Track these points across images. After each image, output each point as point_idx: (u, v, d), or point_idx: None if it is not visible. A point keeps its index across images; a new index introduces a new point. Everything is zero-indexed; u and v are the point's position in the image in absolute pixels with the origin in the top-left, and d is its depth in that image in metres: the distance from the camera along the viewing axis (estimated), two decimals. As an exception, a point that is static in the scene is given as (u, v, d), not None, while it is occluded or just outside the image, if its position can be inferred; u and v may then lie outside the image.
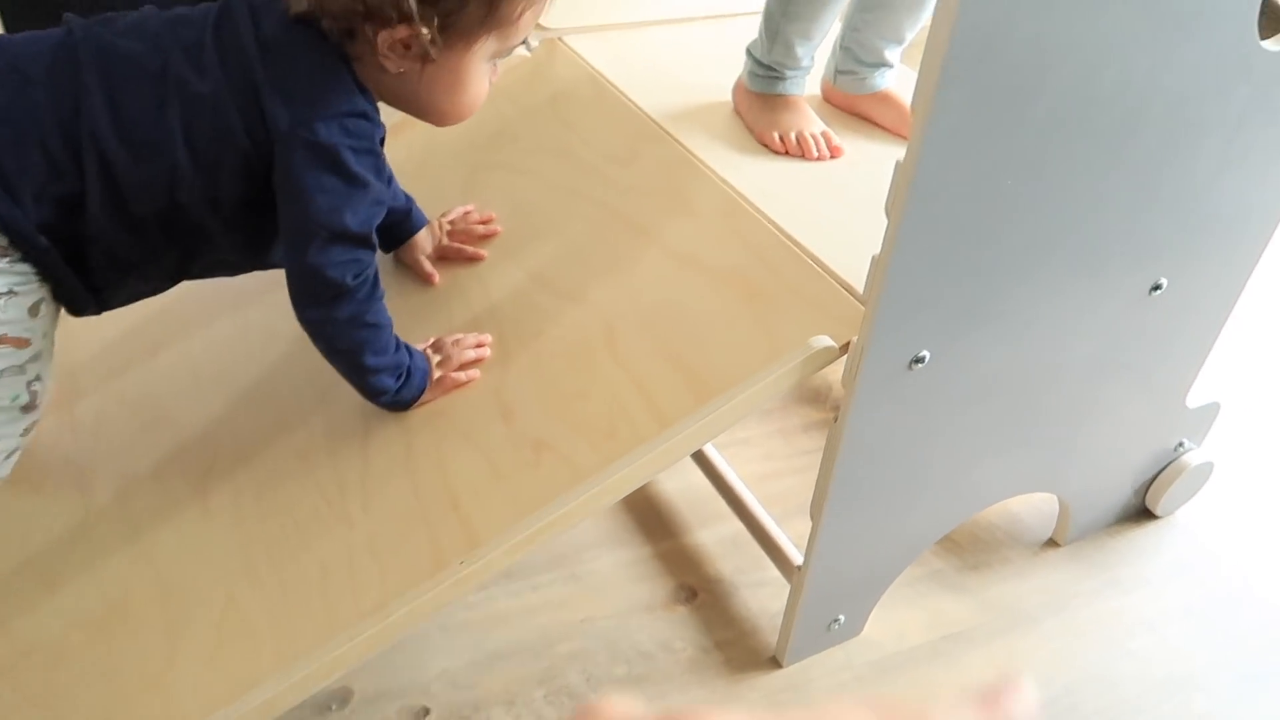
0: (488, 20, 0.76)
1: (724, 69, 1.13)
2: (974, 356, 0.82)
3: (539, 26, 1.23)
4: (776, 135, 1.05)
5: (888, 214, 0.69)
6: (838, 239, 0.86)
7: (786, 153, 1.04)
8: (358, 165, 0.76)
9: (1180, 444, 1.11)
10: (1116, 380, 0.96)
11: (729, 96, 1.13)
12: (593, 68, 1.18)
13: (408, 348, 0.85)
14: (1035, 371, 0.88)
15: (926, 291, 0.74)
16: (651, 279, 0.89)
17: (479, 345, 0.89)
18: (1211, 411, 1.11)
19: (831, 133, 1.06)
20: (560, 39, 1.24)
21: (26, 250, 0.71)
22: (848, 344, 0.77)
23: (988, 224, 0.73)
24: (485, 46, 0.78)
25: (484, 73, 0.81)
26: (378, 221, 0.80)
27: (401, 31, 0.73)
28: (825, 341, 0.76)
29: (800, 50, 1.07)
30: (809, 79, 1.11)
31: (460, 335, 0.90)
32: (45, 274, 0.73)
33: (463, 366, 0.87)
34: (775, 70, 1.08)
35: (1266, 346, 1.44)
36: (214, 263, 0.84)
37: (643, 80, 1.15)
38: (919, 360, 0.78)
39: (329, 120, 0.75)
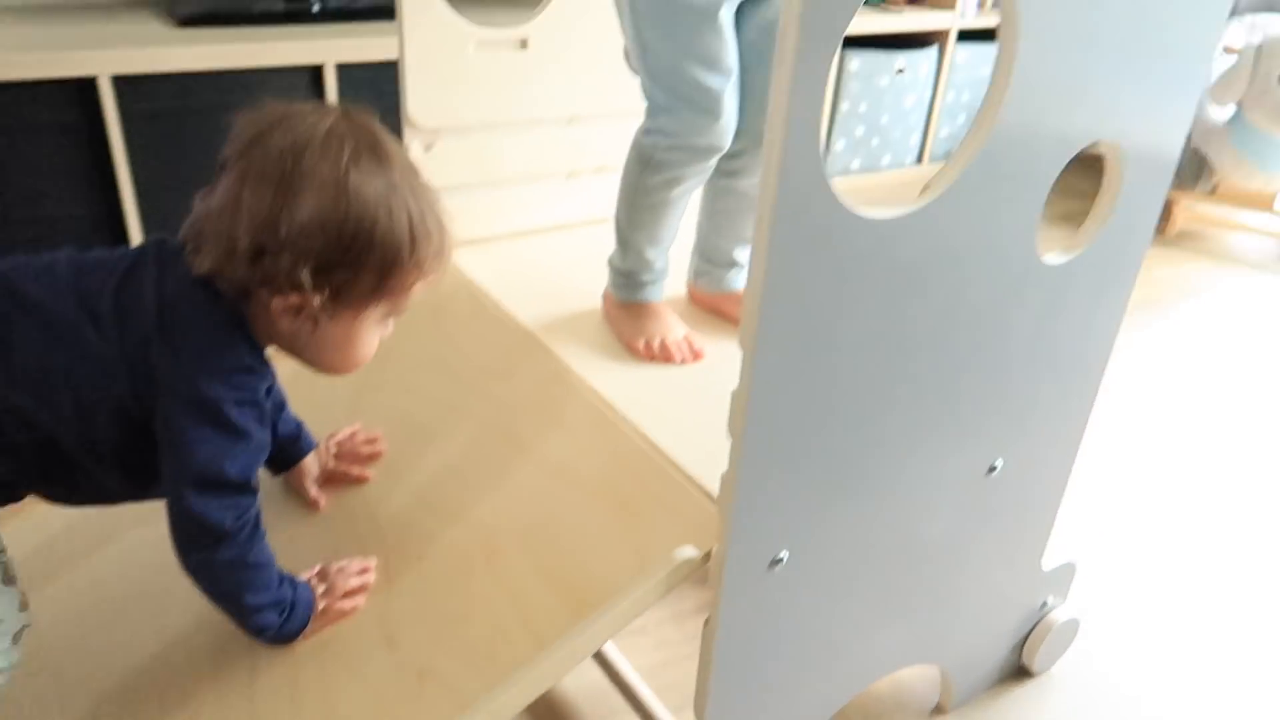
0: (378, 290, 0.82)
1: (597, 274, 1.22)
2: (832, 550, 0.88)
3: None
4: (641, 343, 1.12)
5: (730, 433, 0.76)
6: (701, 445, 0.93)
7: (652, 359, 1.11)
8: (239, 417, 0.79)
9: (1044, 603, 1.18)
10: (972, 552, 1.03)
11: (601, 301, 1.21)
12: (473, 281, 1.26)
13: (291, 580, 0.87)
14: (893, 556, 0.94)
15: (776, 497, 0.80)
16: (528, 495, 0.93)
17: (363, 571, 0.91)
18: (1069, 571, 1.18)
19: (693, 336, 1.14)
20: (442, 255, 1.33)
21: None
22: (710, 552, 0.82)
23: (825, 430, 0.80)
24: (375, 312, 0.84)
25: (374, 333, 0.86)
26: (259, 467, 0.83)
27: (294, 299, 0.79)
28: (689, 553, 0.81)
29: (651, 254, 1.16)
30: (669, 282, 1.20)
31: (344, 563, 0.92)
32: None
33: (348, 594, 0.89)
34: (633, 278, 1.16)
35: (1116, 503, 1.54)
36: (94, 494, 0.86)
37: (521, 290, 1.23)
38: (778, 561, 0.83)
39: (212, 375, 0.79)
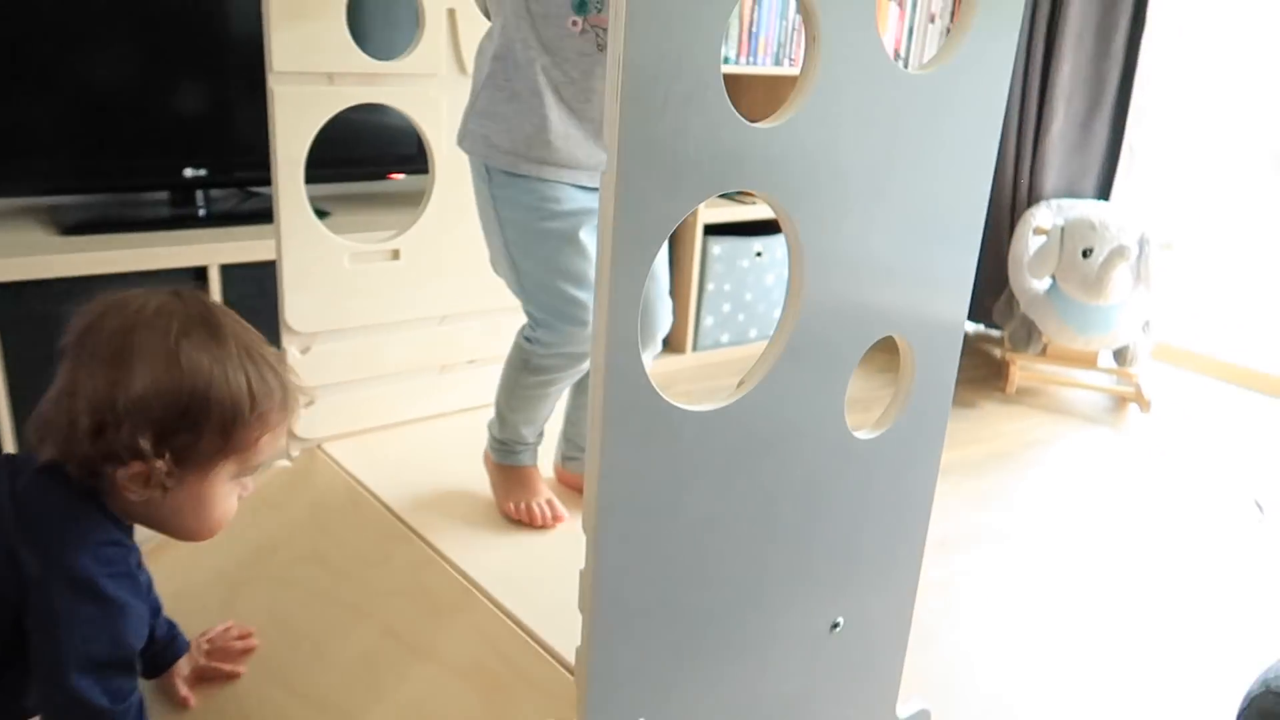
0: (225, 449, 0.86)
1: (470, 459, 1.30)
2: (689, 714, 0.94)
3: (298, 437, 1.37)
4: (510, 505, 1.24)
5: (581, 610, 0.83)
6: (562, 621, 0.99)
7: (519, 520, 1.22)
8: (114, 590, 0.82)
9: (904, 752, 1.25)
10: (826, 706, 1.10)
11: (475, 486, 1.29)
12: (349, 473, 1.32)
13: None
14: (749, 716, 1.01)
15: (629, 667, 0.86)
16: (399, 681, 0.97)
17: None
18: (924, 718, 1.26)
19: (556, 501, 1.25)
20: (319, 447, 1.38)
21: None
22: (571, 724, 0.87)
23: (670, 602, 0.87)
24: (225, 470, 0.88)
25: (228, 492, 0.90)
26: (141, 643, 0.85)
27: (137, 467, 0.82)
28: (550, 725, 0.86)
29: (526, 431, 1.27)
30: (541, 449, 1.31)
31: None
32: None
33: None
34: (508, 446, 1.27)
35: (961, 655, 1.64)
36: None
37: (396, 479, 1.30)
38: (638, 728, 0.89)
39: (81, 551, 0.81)
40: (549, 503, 1.24)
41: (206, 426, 0.84)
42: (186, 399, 0.82)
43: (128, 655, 0.83)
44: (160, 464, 0.82)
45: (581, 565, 0.81)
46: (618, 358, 0.74)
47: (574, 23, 1.07)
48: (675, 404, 0.80)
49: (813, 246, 0.85)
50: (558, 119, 1.10)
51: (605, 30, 1.08)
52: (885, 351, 1.01)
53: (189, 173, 2.01)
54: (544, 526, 1.22)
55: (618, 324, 0.73)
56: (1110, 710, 1.48)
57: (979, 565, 1.86)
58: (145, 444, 0.81)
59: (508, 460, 1.28)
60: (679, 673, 0.91)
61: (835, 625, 1.06)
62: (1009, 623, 1.68)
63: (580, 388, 1.32)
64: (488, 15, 1.18)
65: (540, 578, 1.09)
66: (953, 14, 2.92)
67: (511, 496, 1.26)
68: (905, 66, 2.16)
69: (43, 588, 0.80)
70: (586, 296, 1.14)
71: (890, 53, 1.05)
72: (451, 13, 1.36)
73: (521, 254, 1.16)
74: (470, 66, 1.26)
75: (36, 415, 0.86)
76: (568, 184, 1.13)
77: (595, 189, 1.15)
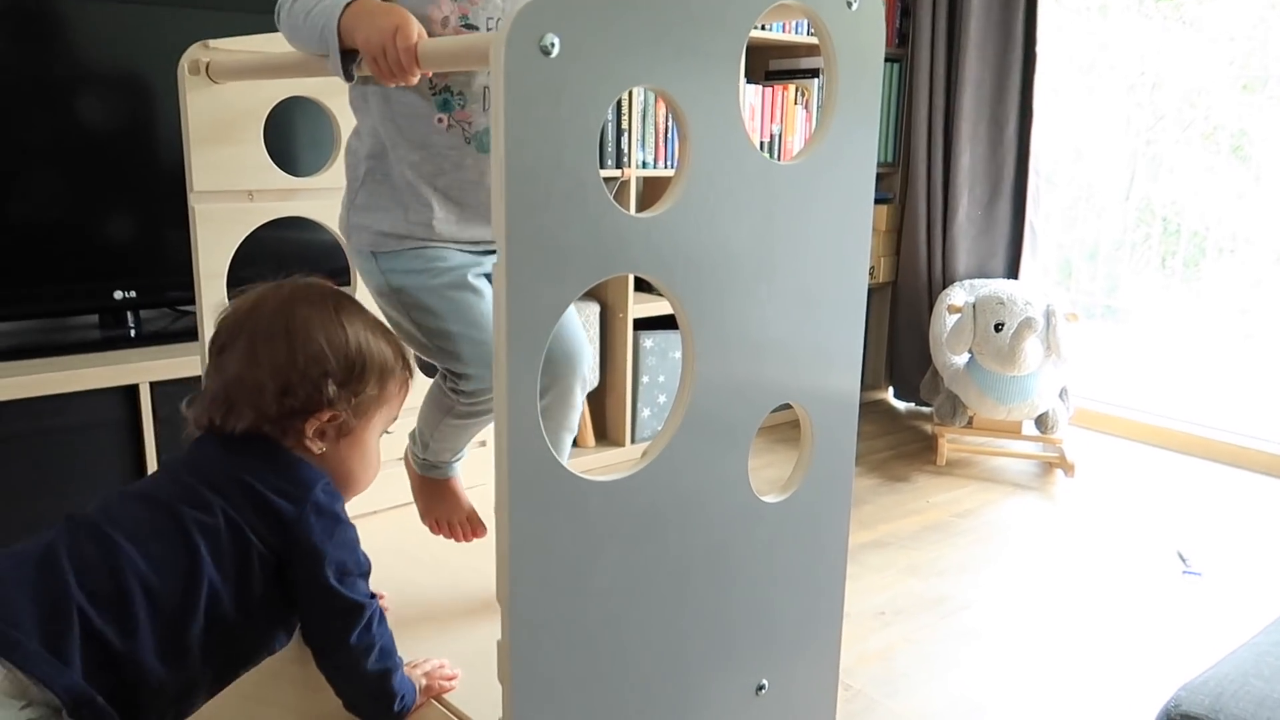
0: (380, 399, 1.04)
1: (403, 559, 1.33)
2: (616, 785, 0.96)
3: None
4: (433, 520, 1.34)
5: (501, 682, 0.85)
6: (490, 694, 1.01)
7: (440, 535, 1.33)
8: (345, 516, 0.99)
9: (842, 819, 1.26)
10: (759, 775, 1.12)
11: (407, 569, 1.33)
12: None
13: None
14: (679, 785, 1.03)
15: (553, 740, 0.89)
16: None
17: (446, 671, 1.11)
18: (860, 782, 1.28)
19: (476, 514, 1.34)
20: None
21: (85, 712, 0.82)
22: (498, 800, 0.88)
23: (589, 667, 0.91)
24: (378, 422, 1.06)
25: (378, 446, 1.07)
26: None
27: (326, 415, 0.99)
28: (477, 803, 0.88)
29: (448, 457, 1.34)
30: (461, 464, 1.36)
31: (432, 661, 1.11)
32: None
33: (444, 677, 1.09)
34: (429, 463, 1.34)
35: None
36: (239, 664, 0.99)
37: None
38: (564, 801, 0.91)
39: (317, 490, 0.98)
40: (469, 518, 1.34)
41: (369, 377, 1.02)
42: (354, 354, 1.01)
43: (365, 566, 1.00)
44: (344, 410, 1.00)
45: (499, 637, 0.85)
46: (519, 434, 0.80)
47: (440, 119, 1.15)
48: (580, 475, 0.85)
49: (700, 325, 0.92)
50: (439, 205, 1.18)
51: (470, 124, 1.17)
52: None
53: (119, 295, 2.04)
54: (465, 541, 1.34)
55: (517, 401, 0.79)
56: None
57: (917, 633, 1.90)
58: (332, 391, 0.98)
59: (430, 474, 1.34)
60: (604, 743, 0.93)
61: (760, 688, 1.09)
62: (947, 688, 1.71)
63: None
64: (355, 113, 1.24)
65: (459, 654, 1.12)
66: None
67: (433, 512, 1.35)
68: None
69: (299, 523, 0.95)
70: (489, 338, 1.18)
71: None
72: (368, 130, 1.44)
73: (423, 316, 1.19)
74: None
75: (215, 396, 1.00)
76: (451, 249, 1.20)
77: (476, 251, 1.22)
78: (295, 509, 0.95)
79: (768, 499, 1.05)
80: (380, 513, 1.55)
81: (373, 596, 1.00)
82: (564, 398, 1.28)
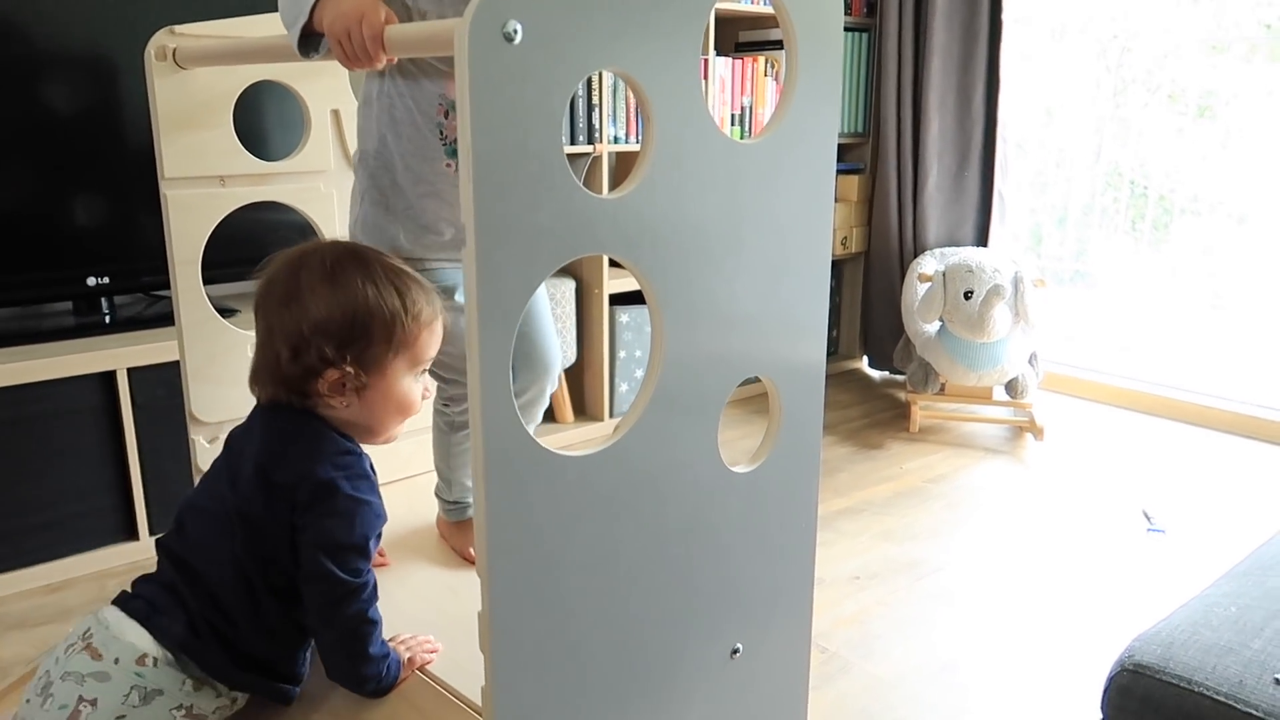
0: (393, 348, 1.06)
1: (397, 522, 1.36)
2: (597, 747, 0.99)
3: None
4: (470, 550, 1.37)
5: (483, 651, 0.88)
6: (473, 666, 1.04)
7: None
8: (351, 489, 1.02)
9: (817, 775, 1.31)
10: (735, 734, 1.16)
11: (402, 550, 1.35)
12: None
13: (384, 642, 1.08)
14: (658, 746, 1.06)
15: (533, 702, 0.92)
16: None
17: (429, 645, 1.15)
18: (834, 739, 1.33)
19: None
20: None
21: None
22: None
23: (568, 637, 0.93)
24: (400, 368, 1.08)
25: (409, 387, 1.10)
26: (375, 533, 1.02)
27: (331, 375, 1.03)
28: (464, 768, 0.91)
29: (470, 483, 1.37)
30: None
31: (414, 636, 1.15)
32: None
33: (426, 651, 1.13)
34: (459, 504, 1.40)
35: (876, 682, 1.72)
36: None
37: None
38: (547, 763, 0.94)
39: (321, 461, 1.02)
40: None
41: (375, 331, 1.04)
42: (353, 311, 1.03)
43: (362, 543, 1.02)
44: (348, 368, 1.03)
45: (480, 608, 0.87)
46: (493, 412, 0.82)
47: (448, 165, 1.22)
48: (553, 450, 0.88)
49: (668, 301, 0.95)
50: (438, 233, 1.28)
51: None
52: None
53: (92, 282, 2.04)
54: None
55: (490, 382, 0.81)
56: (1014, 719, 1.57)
57: (890, 596, 1.95)
58: (330, 352, 1.02)
59: (461, 517, 1.43)
60: (584, 706, 0.97)
61: (735, 651, 1.13)
62: (920, 648, 1.76)
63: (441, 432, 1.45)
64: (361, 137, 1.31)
65: (443, 628, 1.15)
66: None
67: (468, 543, 1.40)
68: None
69: (302, 495, 1.00)
70: None
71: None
72: (335, 113, 1.45)
73: None
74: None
75: (252, 372, 1.08)
76: (445, 266, 1.30)
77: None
78: (296, 481, 1.01)
79: (738, 469, 1.08)
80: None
81: (369, 571, 1.03)
82: (539, 400, 1.39)
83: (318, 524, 1.00)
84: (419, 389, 1.12)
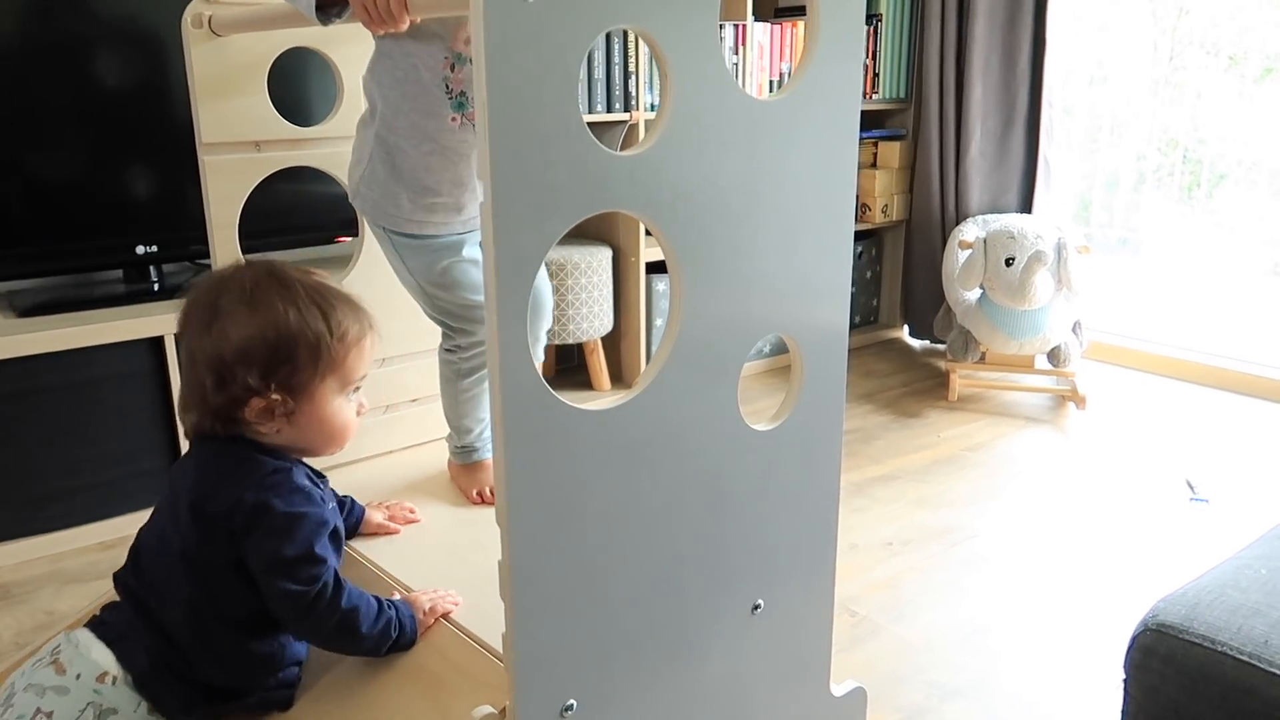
0: (320, 371, 1.04)
1: (415, 491, 1.40)
2: (620, 695, 1.01)
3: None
4: (474, 492, 1.42)
5: (502, 598, 0.91)
6: (493, 612, 1.07)
7: (483, 503, 1.42)
8: (285, 506, 1.01)
9: (841, 730, 1.32)
10: (757, 685, 1.18)
11: (420, 511, 1.39)
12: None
13: (389, 602, 1.08)
14: (680, 696, 1.08)
15: (555, 651, 0.94)
16: (344, 684, 1.05)
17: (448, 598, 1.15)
18: (860, 695, 1.34)
19: None
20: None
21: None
22: (504, 708, 0.94)
23: (589, 588, 0.95)
24: (329, 390, 1.05)
25: (341, 407, 1.08)
26: (319, 540, 1.03)
27: (256, 403, 1.01)
28: (485, 710, 0.94)
29: (477, 428, 1.44)
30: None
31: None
32: None
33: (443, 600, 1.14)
34: (467, 448, 1.45)
35: (906, 646, 1.73)
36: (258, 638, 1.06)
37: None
38: (569, 709, 0.96)
39: (249, 487, 1.00)
40: None
41: (299, 355, 1.01)
42: (275, 336, 1.00)
43: (308, 552, 1.01)
44: (274, 395, 1.01)
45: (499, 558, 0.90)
46: (512, 367, 0.84)
47: (453, 118, 1.24)
48: (570, 404, 0.89)
49: (686, 259, 0.95)
50: (440, 194, 1.30)
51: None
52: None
53: (141, 250, 2.10)
54: None
55: (509, 339, 0.83)
56: (1046, 685, 1.56)
57: (923, 562, 1.95)
58: (254, 380, 0.99)
59: (469, 460, 1.46)
60: (605, 655, 0.99)
61: (756, 606, 1.14)
62: (952, 613, 1.76)
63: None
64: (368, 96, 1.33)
65: (468, 579, 1.18)
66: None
67: (474, 486, 1.45)
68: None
69: (238, 525, 0.99)
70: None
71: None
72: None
73: (424, 278, 1.35)
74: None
75: (180, 401, 1.06)
76: (442, 234, 1.34)
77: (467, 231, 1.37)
78: (229, 512, 1.00)
79: (759, 427, 1.09)
80: (395, 452, 1.61)
81: (327, 568, 1.03)
82: (536, 343, 1.42)
83: (259, 547, 1.00)
84: (352, 408, 1.10)
